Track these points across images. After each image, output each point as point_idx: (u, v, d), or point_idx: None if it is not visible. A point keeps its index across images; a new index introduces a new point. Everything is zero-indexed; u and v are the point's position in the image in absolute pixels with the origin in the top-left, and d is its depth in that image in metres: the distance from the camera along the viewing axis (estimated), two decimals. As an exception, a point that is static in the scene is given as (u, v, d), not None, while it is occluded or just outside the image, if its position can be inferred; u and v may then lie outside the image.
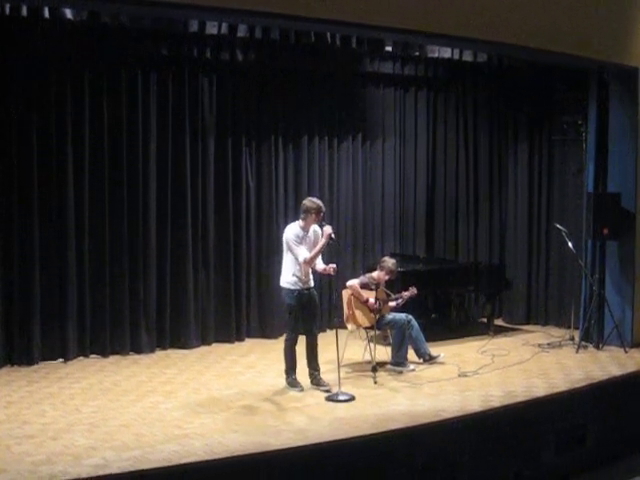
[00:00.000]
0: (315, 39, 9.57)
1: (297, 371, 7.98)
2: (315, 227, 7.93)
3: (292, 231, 7.83)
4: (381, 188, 11.36)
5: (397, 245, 11.52)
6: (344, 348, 8.49)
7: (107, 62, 9.06)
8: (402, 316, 8.78)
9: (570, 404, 7.82)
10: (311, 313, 7.98)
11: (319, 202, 7.92)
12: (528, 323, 11.41)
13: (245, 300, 10.22)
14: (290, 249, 7.79)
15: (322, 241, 7.75)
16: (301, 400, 7.60)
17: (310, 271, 7.89)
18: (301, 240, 7.80)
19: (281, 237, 8.50)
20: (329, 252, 8.25)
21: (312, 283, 7.96)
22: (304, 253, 7.73)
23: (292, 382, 7.92)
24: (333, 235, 7.75)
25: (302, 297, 7.83)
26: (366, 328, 8.70)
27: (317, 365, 8.01)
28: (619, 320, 9.71)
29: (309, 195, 10.44)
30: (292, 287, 7.82)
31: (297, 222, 7.92)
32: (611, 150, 9.86)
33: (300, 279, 7.80)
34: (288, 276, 7.84)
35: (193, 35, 9.21)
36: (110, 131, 9.10)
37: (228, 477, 5.89)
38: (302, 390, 7.84)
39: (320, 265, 7.92)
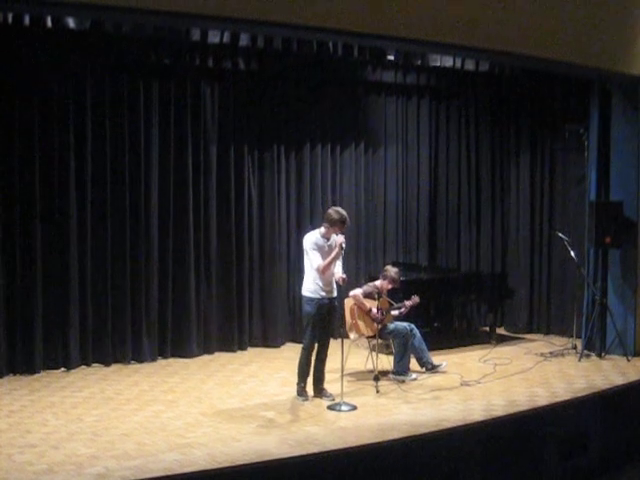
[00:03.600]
0: (317, 48, 9.62)
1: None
2: (336, 236, 7.80)
3: (310, 239, 7.79)
4: (383, 196, 11.38)
5: (399, 254, 11.51)
6: (346, 357, 8.47)
7: (109, 71, 9.07)
8: (404, 325, 8.77)
9: (572, 413, 7.80)
10: (327, 324, 7.91)
11: (344, 213, 7.78)
12: (530, 332, 11.40)
13: (247, 309, 10.21)
14: (307, 256, 7.79)
15: (335, 250, 7.71)
16: (304, 409, 7.59)
17: (333, 281, 7.80)
18: (319, 248, 7.73)
19: (283, 245, 8.49)
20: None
21: (335, 293, 7.87)
22: (318, 261, 7.70)
23: (300, 391, 7.90)
24: (344, 245, 7.72)
25: (321, 306, 7.76)
26: (369, 337, 8.70)
27: (322, 375, 7.99)
28: (621, 329, 9.72)
29: (311, 204, 10.50)
30: (312, 295, 7.76)
31: (318, 230, 7.86)
32: (613, 159, 9.87)
33: (322, 288, 7.73)
34: (309, 284, 7.78)
35: (195, 44, 9.25)
36: (112, 140, 9.12)
37: (230, 486, 5.89)
38: (307, 400, 7.83)
39: (337, 273, 7.81)
